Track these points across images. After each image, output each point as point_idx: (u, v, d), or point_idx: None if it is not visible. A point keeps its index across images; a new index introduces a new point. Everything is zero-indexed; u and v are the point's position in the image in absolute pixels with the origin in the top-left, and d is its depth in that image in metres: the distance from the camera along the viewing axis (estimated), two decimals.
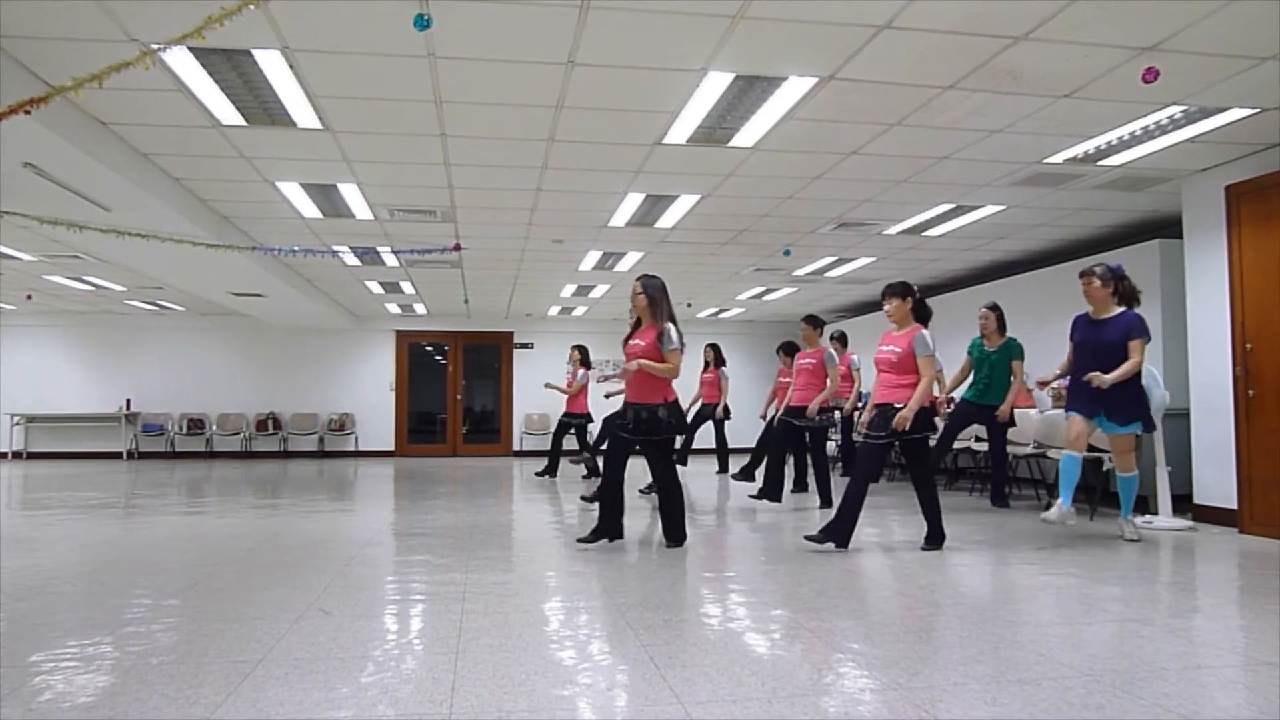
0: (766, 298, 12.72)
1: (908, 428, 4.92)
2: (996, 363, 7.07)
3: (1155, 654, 2.99)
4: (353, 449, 14.90)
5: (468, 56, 4.32)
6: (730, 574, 4.45)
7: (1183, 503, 6.24)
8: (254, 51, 4.22)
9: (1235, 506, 5.79)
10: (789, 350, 8.22)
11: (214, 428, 14.58)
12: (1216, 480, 6.05)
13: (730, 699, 2.52)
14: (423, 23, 3.77)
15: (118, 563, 4.81)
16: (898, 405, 4.99)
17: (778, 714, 2.41)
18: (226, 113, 5.03)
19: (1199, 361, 6.29)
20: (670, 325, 5.03)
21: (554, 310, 14.29)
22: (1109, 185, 6.66)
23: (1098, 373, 5.14)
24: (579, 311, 14.40)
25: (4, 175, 5.33)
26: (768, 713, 2.42)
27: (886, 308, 5.26)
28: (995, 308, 7.18)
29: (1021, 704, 2.47)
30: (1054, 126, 5.31)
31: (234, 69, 4.42)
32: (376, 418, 15.06)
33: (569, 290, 11.98)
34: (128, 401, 14.33)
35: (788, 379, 7.93)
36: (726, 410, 9.93)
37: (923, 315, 5.21)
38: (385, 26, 3.96)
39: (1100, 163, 6.04)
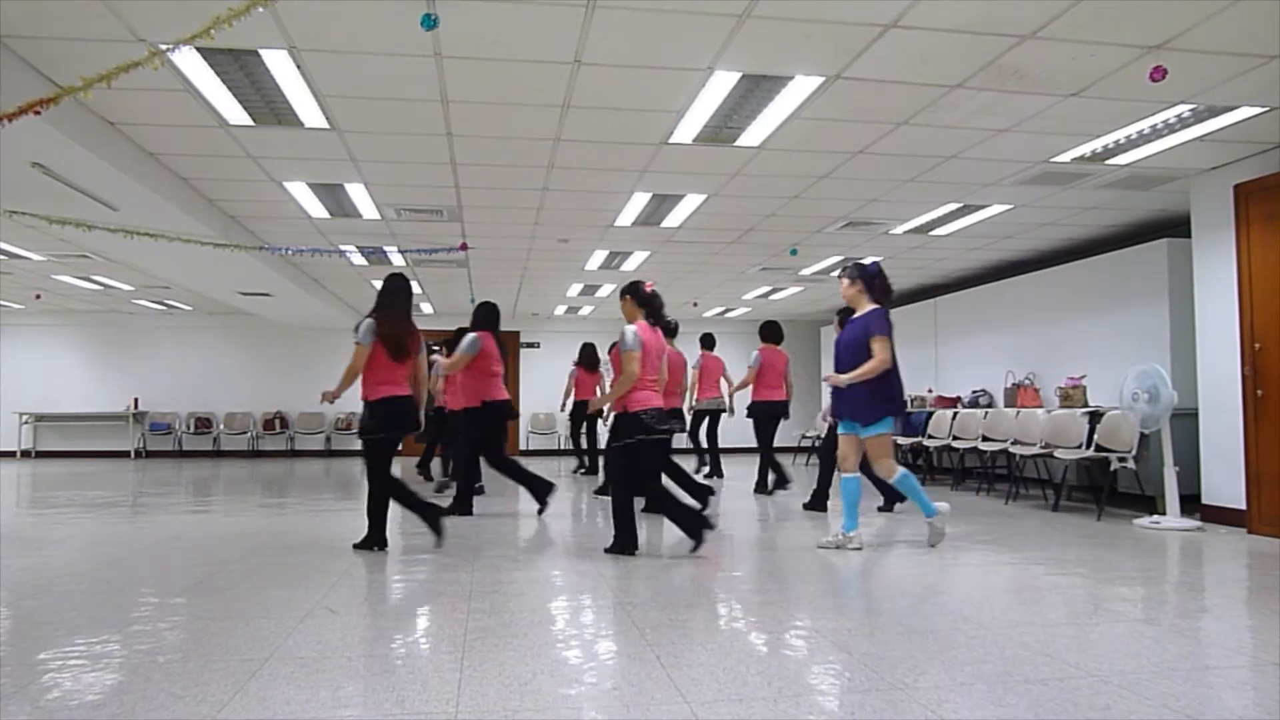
0: (773, 297, 12.69)
1: (620, 440, 4.77)
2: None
3: (1162, 654, 2.98)
4: (360, 448, 14.90)
5: (474, 56, 4.33)
6: (736, 574, 4.44)
7: (1191, 503, 6.23)
8: (261, 51, 4.23)
9: (1243, 506, 5.77)
10: (587, 358, 8.86)
11: (221, 427, 14.63)
12: (1225, 480, 6.03)
13: (736, 698, 2.52)
14: (430, 22, 3.77)
15: (124, 561, 4.84)
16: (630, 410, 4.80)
17: (783, 713, 2.41)
18: (234, 113, 5.04)
19: (1207, 361, 6.26)
20: (367, 320, 5.02)
21: (560, 310, 14.30)
22: (1117, 184, 6.63)
23: (833, 374, 5.12)
24: (585, 311, 14.41)
25: (13, 175, 5.37)
26: (773, 712, 2.42)
27: (622, 307, 5.16)
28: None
29: (1028, 704, 2.47)
30: (1061, 125, 5.29)
31: (241, 69, 4.43)
32: None
33: (575, 289, 11.98)
34: (135, 400, 14.39)
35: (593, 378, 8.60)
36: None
37: (651, 311, 5.05)
38: (392, 26, 3.97)
39: (1108, 162, 6.02)
